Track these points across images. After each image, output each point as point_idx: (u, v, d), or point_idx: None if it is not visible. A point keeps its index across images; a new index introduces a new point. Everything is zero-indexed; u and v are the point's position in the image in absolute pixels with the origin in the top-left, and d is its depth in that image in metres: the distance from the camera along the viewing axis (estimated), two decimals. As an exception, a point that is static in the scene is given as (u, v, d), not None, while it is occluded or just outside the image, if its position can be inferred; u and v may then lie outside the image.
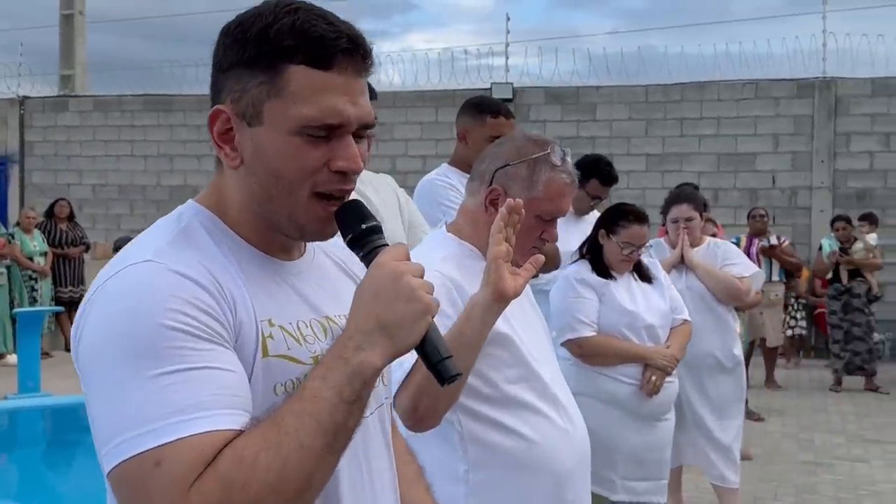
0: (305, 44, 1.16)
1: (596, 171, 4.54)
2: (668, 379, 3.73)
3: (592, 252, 3.86)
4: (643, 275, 3.89)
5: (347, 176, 1.20)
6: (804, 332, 10.75)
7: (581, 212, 4.56)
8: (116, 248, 12.95)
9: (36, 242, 10.87)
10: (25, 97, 15.28)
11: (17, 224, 11.21)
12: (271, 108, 1.17)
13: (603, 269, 3.81)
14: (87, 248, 11.68)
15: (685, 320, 3.94)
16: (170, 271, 1.11)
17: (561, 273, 3.93)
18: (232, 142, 1.21)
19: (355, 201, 1.23)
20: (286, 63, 1.16)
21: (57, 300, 10.88)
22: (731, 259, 4.76)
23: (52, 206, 11.51)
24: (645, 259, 3.93)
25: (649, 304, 3.81)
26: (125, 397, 1.05)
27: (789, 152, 12.04)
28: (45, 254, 10.89)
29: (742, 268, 4.73)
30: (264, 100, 1.17)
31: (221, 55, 1.21)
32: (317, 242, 1.32)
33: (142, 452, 1.02)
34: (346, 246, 1.28)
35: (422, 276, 1.17)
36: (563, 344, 3.70)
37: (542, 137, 2.21)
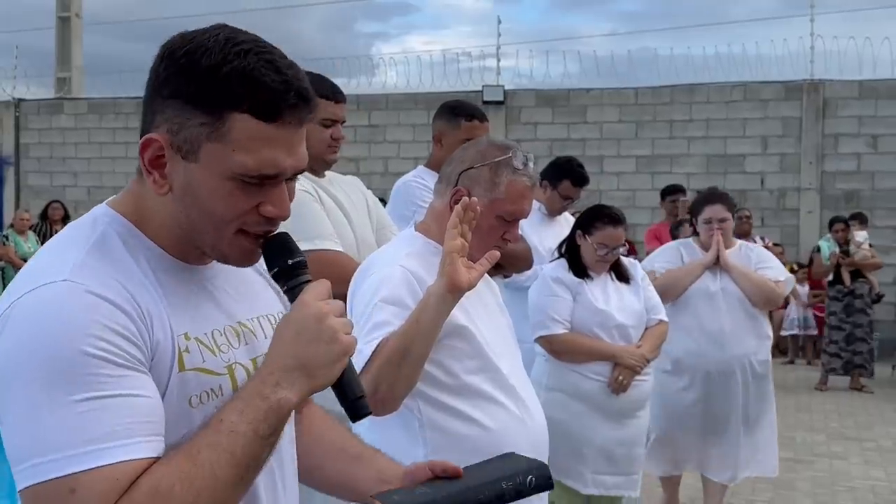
0: (254, 94, 1.15)
1: (568, 172, 4.61)
2: (640, 378, 3.81)
3: (570, 251, 3.95)
4: (621, 275, 3.98)
5: (274, 220, 1.22)
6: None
7: (553, 213, 4.65)
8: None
9: (30, 244, 10.95)
10: (21, 100, 15.37)
11: (11, 226, 11.29)
12: (209, 150, 1.17)
13: (580, 269, 3.90)
14: (82, 249, 11.76)
15: (661, 320, 4.02)
16: (88, 293, 1.11)
17: (540, 271, 4.03)
18: (162, 169, 1.19)
19: (283, 235, 1.26)
20: (231, 110, 1.15)
21: (51, 301, 10.95)
22: (765, 262, 4.67)
23: (46, 208, 11.59)
24: (624, 259, 4.02)
25: (623, 304, 3.90)
26: (41, 420, 1.05)
27: (777, 154, 12.14)
28: (40, 255, 10.97)
29: (776, 272, 4.65)
30: (203, 141, 1.17)
31: (164, 79, 1.19)
32: None
33: (57, 478, 1.04)
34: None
35: (342, 315, 1.21)
36: (535, 340, 3.80)
37: (506, 142, 2.31)
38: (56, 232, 10.03)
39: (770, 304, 4.66)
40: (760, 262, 4.65)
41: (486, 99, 12.33)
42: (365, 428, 2.16)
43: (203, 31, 1.21)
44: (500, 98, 12.68)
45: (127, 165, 14.75)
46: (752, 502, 5.45)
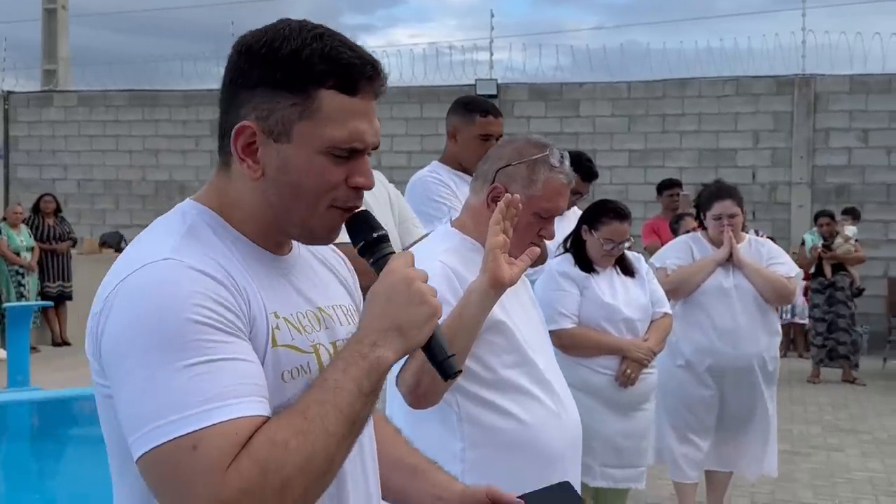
0: (336, 70, 1.25)
1: (576, 167, 4.59)
2: (646, 370, 3.85)
3: (576, 246, 3.98)
4: (626, 268, 4.00)
5: (361, 191, 1.31)
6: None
7: (562, 207, 4.66)
8: (103, 243, 12.96)
9: (23, 237, 10.87)
10: (10, 92, 15.29)
11: (4, 219, 11.20)
12: (302, 128, 1.25)
13: (586, 263, 3.93)
14: (74, 243, 11.71)
15: (665, 313, 4.04)
16: (189, 268, 1.18)
17: (546, 266, 4.04)
18: (254, 155, 1.27)
19: (365, 212, 1.34)
20: (318, 87, 1.24)
21: (44, 295, 10.89)
22: (776, 258, 4.61)
23: (38, 202, 11.51)
24: (628, 253, 4.04)
25: (629, 298, 3.92)
26: (157, 387, 1.11)
27: (769, 148, 12.22)
28: (32, 249, 10.90)
29: (788, 267, 4.59)
30: (295, 120, 1.25)
31: (245, 72, 1.27)
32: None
33: (178, 437, 1.09)
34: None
35: (427, 282, 1.28)
36: (543, 334, 3.82)
37: (542, 140, 2.34)
38: (49, 225, 9.95)
39: (783, 300, 4.65)
40: (771, 257, 4.62)
41: (479, 92, 12.31)
42: (402, 422, 2.18)
43: (273, 25, 1.29)
44: (494, 92, 12.70)
45: (117, 158, 14.70)
46: (753, 494, 5.50)
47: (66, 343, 11.17)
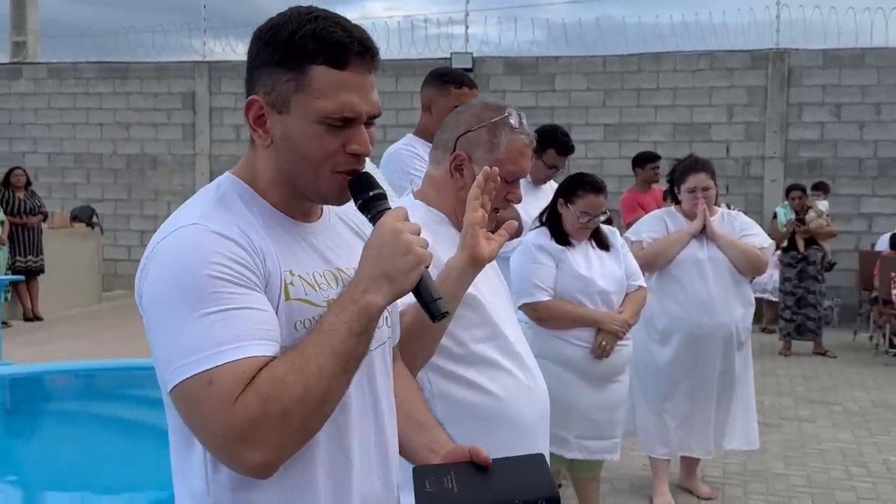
0: (325, 48, 1.41)
1: (553, 140, 4.59)
2: (621, 343, 3.88)
3: (552, 219, 3.98)
4: (601, 242, 4.02)
5: (360, 157, 1.46)
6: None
7: (538, 181, 4.64)
8: (74, 217, 12.82)
9: (-7, 211, 10.73)
10: (-22, 64, 15.01)
11: (-27, 193, 11.05)
12: (297, 100, 1.42)
13: (561, 236, 3.94)
14: (45, 217, 11.56)
15: (640, 286, 4.07)
16: (211, 232, 1.38)
17: (522, 239, 4.05)
18: (264, 126, 1.46)
19: (365, 173, 1.48)
20: (309, 64, 1.41)
21: (14, 269, 10.77)
22: (748, 230, 4.69)
23: (8, 175, 11.33)
24: (604, 226, 4.05)
25: (604, 271, 3.94)
26: (181, 332, 1.32)
27: (743, 123, 12.25)
28: (3, 223, 10.75)
29: (761, 238, 4.68)
30: (291, 94, 1.42)
31: (255, 55, 1.46)
32: (334, 209, 1.60)
33: (198, 373, 1.29)
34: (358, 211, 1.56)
35: (418, 234, 1.41)
36: (519, 307, 3.82)
37: (499, 103, 2.29)
38: (20, 199, 9.82)
39: (756, 271, 4.71)
40: (744, 229, 4.70)
41: (454, 66, 12.27)
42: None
43: (284, 12, 1.47)
44: (469, 65, 12.64)
45: (88, 131, 14.51)
46: (725, 465, 5.56)
47: (37, 318, 11.08)
